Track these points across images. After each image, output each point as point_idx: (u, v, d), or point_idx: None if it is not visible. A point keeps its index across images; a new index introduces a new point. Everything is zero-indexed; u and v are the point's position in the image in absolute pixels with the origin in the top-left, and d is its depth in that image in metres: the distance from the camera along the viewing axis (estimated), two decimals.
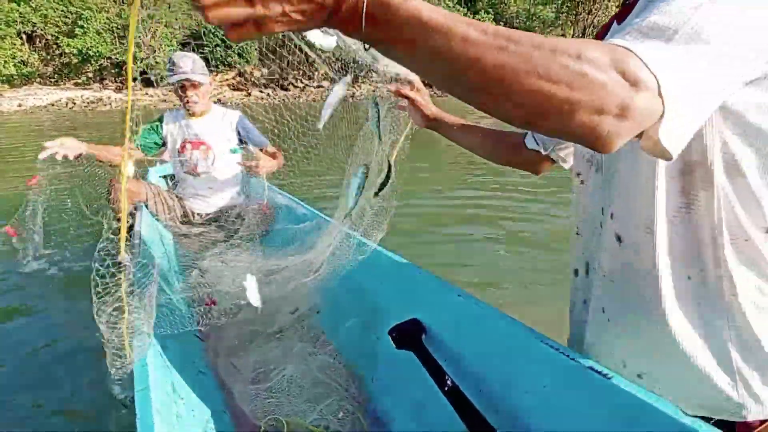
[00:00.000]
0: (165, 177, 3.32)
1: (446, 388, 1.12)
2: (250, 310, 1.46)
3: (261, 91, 28.58)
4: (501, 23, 38.14)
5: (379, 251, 1.47)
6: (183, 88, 2.46)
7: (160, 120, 2.59)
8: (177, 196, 2.64)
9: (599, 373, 0.81)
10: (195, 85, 2.48)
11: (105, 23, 24.57)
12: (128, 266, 1.34)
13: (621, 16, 0.73)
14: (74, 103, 22.20)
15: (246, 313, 1.50)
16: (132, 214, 2.34)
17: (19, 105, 21.58)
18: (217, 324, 1.45)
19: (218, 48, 26.82)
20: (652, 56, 0.45)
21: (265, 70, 30.26)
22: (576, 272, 0.86)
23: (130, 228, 2.20)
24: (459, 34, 0.42)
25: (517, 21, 39.78)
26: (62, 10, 23.96)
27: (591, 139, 0.44)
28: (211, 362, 1.51)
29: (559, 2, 37.23)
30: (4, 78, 23.68)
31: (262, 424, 1.23)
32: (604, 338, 0.82)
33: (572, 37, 38.34)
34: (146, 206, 2.46)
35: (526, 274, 2.83)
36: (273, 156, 2.57)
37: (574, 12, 37.43)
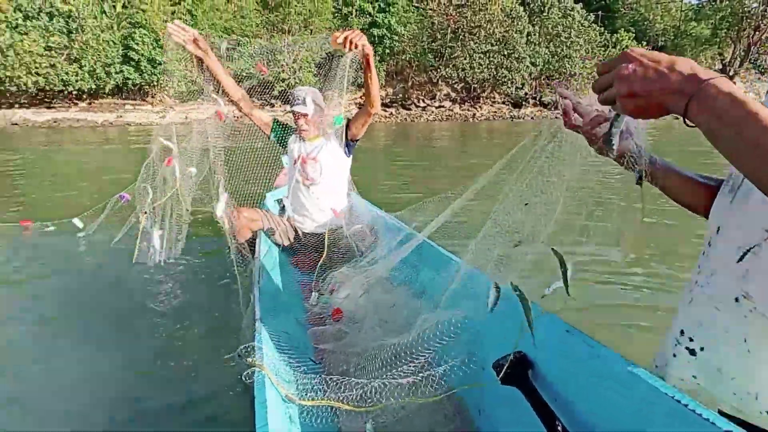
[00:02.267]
0: (278, 200, 3.59)
1: None
2: (361, 337, 1.51)
3: (384, 110, 30.00)
4: (643, 42, 35.06)
5: (485, 279, 1.38)
6: (296, 116, 2.73)
7: (293, 130, 2.88)
8: (288, 220, 2.84)
9: (712, 423, 0.73)
10: (303, 116, 2.72)
11: (257, 48, 28.04)
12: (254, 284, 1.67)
13: None
14: (227, 117, 25.62)
15: (356, 339, 1.54)
16: (251, 241, 2.63)
17: (186, 117, 25.52)
18: (331, 345, 1.53)
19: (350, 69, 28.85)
20: None
21: (390, 90, 31.77)
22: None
23: (251, 250, 2.52)
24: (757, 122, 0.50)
25: (663, 39, 36.28)
26: (226, 38, 27.92)
27: None
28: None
29: (717, 18, 32.95)
30: (177, 94, 28.39)
31: None
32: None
33: (732, 56, 33.65)
34: (264, 232, 2.70)
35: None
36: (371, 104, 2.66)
37: (736, 28, 32.86)
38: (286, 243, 2.78)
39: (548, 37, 31.78)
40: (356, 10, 29.65)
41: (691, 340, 0.80)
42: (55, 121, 23.23)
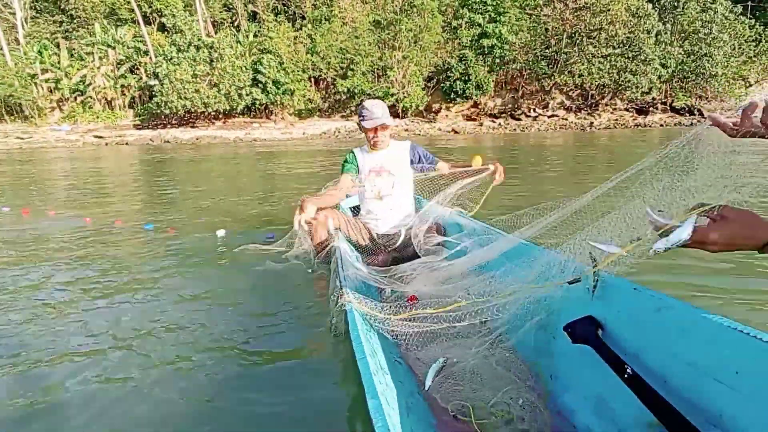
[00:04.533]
0: (352, 208, 3.85)
1: (626, 376, 1.11)
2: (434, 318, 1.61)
3: (493, 121, 29.33)
4: None
5: (551, 253, 1.50)
6: (375, 130, 2.88)
7: (353, 153, 3.08)
8: (362, 223, 3.05)
9: None
10: (385, 127, 2.88)
11: (369, 65, 29.38)
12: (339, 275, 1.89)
13: None
14: (339, 132, 27.16)
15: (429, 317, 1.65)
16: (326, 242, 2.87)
17: (303, 133, 27.65)
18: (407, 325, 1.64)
19: (458, 81, 28.87)
20: None
21: (498, 101, 31.00)
22: None
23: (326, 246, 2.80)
24: None
25: None
26: (341, 58, 29.78)
27: None
28: (403, 354, 1.70)
29: None
30: (297, 112, 30.90)
31: (449, 406, 1.39)
32: None
33: None
34: (341, 231, 2.90)
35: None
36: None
37: None
38: (361, 242, 2.97)
39: (683, 35, 28.43)
40: (466, 22, 29.58)
41: None
42: (197, 138, 26.71)
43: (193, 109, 28.77)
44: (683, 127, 25.08)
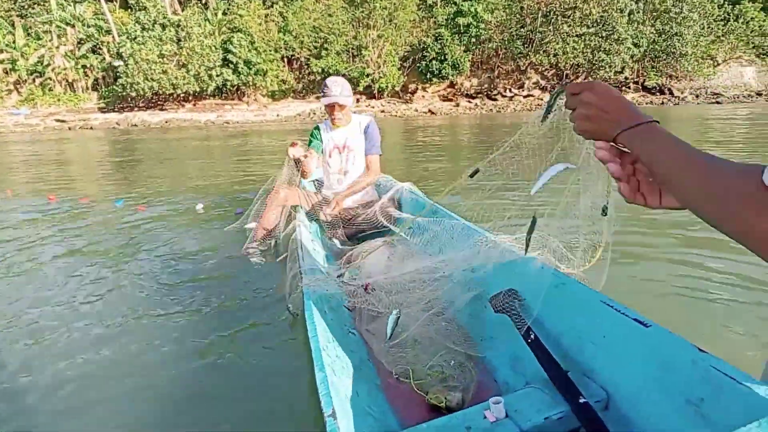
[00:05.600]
0: (313, 181, 3.99)
1: (529, 341, 1.41)
2: (387, 298, 1.89)
3: (469, 101, 29.22)
4: None
5: (488, 235, 1.85)
6: (332, 107, 2.96)
7: (318, 129, 3.18)
8: (323, 196, 3.18)
9: (641, 323, 1.08)
10: (342, 107, 2.95)
11: (343, 45, 28.74)
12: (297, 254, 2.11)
13: None
14: (314, 113, 26.63)
15: (383, 294, 1.92)
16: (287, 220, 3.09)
17: (277, 115, 27.00)
18: (361, 300, 1.91)
19: (434, 61, 28.55)
20: None
21: (474, 81, 30.86)
22: None
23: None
24: (678, 162, 0.60)
25: None
26: (314, 37, 29.01)
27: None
28: (357, 326, 1.92)
29: None
30: (270, 93, 30.09)
31: (393, 370, 1.62)
32: None
33: None
34: (301, 207, 3.10)
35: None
36: (367, 167, 3.08)
37: None
38: (322, 217, 3.10)
39: (654, 14, 28.70)
40: (441, 0, 29.12)
41: None
42: (166, 122, 25.80)
43: (161, 91, 27.67)
44: (655, 106, 25.59)
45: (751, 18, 29.78)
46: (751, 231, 0.51)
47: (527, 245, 1.43)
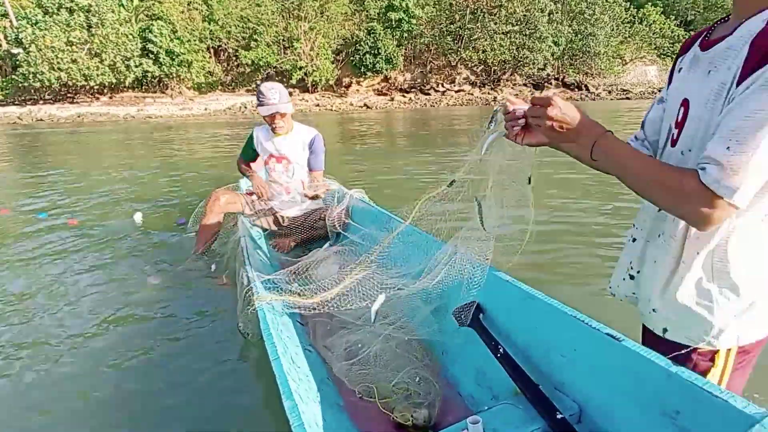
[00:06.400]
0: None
1: (498, 355, 1.37)
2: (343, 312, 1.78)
3: (404, 96, 29.54)
4: (672, 16, 33.61)
5: (441, 244, 1.77)
6: (272, 116, 2.77)
7: (253, 135, 2.97)
8: (266, 204, 3.00)
9: (613, 337, 1.08)
10: (283, 115, 2.77)
11: (274, 36, 27.85)
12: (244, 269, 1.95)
13: (705, 45, 0.89)
14: (245, 107, 25.61)
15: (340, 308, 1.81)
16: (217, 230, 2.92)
17: (205, 109, 25.66)
18: (315, 314, 1.78)
19: (368, 55, 28.49)
20: (738, 198, 0.72)
21: (408, 75, 31.23)
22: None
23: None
24: (626, 166, 0.84)
25: (693, 12, 34.63)
26: (242, 27, 27.83)
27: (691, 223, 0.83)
28: (313, 342, 1.84)
29: None
30: (196, 86, 28.49)
31: (356, 389, 1.55)
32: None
33: None
34: (243, 215, 2.90)
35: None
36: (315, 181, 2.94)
37: None
38: (266, 225, 2.97)
39: (571, 15, 30.64)
40: None
41: (632, 268, 1.07)
42: (79, 116, 23.60)
43: (70, 82, 25.19)
44: (575, 102, 27.37)
45: (653, 21, 32.77)
46: (681, 207, 0.79)
47: (482, 223, 1.38)
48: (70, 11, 25.29)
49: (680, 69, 0.96)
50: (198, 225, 2.96)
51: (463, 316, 1.57)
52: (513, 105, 1.00)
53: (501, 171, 1.20)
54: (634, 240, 1.07)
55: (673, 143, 0.92)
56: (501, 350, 1.38)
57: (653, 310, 0.98)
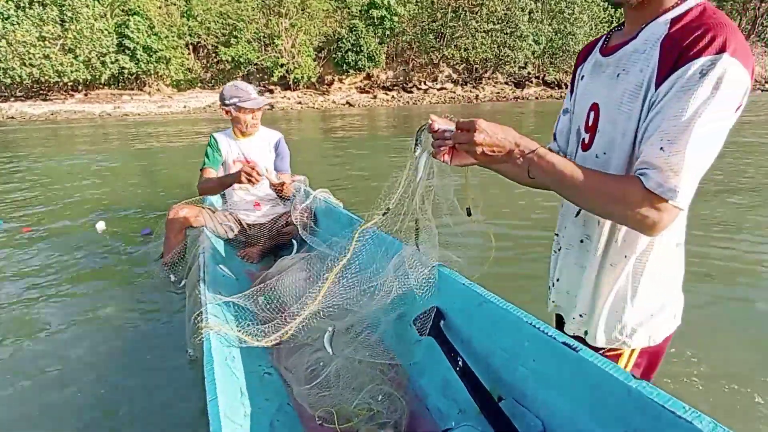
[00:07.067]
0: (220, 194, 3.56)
1: (458, 368, 1.30)
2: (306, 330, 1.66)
3: (386, 93, 29.48)
4: None
5: (407, 248, 1.63)
6: (252, 111, 2.67)
7: (215, 140, 2.82)
8: (230, 213, 2.87)
9: (569, 346, 1.01)
10: (260, 109, 2.72)
11: (254, 33, 27.50)
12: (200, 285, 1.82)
13: (606, 51, 0.91)
14: None
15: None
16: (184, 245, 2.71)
17: (184, 106, 25.21)
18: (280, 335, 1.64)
19: (350, 53, 28.34)
20: (681, 200, 0.74)
21: (390, 73, 31.17)
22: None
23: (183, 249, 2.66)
24: (566, 180, 0.82)
25: None
26: (221, 23, 27.40)
27: (637, 229, 0.81)
28: (275, 364, 1.72)
29: None
30: (175, 83, 27.96)
31: (316, 414, 1.45)
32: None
33: (740, 26, 32.81)
34: (207, 228, 2.72)
35: None
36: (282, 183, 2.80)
37: (742, 0, 32.01)
38: (231, 235, 2.83)
39: (551, 14, 31.00)
40: None
41: (554, 275, 1.08)
42: (52, 114, 22.96)
43: (43, 79, 24.47)
44: (555, 99, 27.74)
45: None
46: (627, 215, 0.78)
47: (417, 245, 1.42)
48: (43, 5, 24.53)
49: (582, 77, 0.98)
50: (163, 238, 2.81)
51: (423, 325, 1.49)
52: (437, 125, 0.97)
53: (432, 191, 1.20)
54: (559, 250, 1.07)
55: (585, 147, 0.94)
56: (460, 363, 1.30)
57: (580, 315, 1.01)
